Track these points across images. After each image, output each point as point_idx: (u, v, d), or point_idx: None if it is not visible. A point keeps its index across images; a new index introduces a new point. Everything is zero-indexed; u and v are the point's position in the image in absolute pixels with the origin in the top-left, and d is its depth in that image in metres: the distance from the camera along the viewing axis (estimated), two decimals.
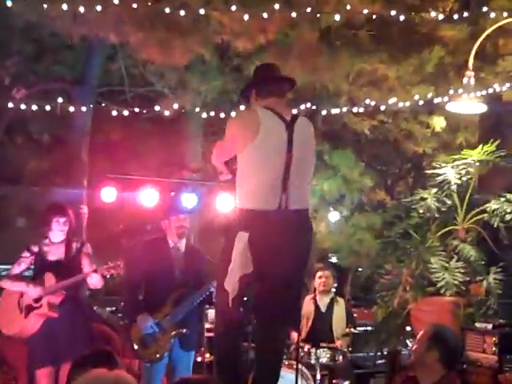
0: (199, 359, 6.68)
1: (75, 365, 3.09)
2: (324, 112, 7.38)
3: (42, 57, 8.41)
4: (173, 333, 5.24)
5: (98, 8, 5.57)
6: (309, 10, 5.81)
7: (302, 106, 7.11)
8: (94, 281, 5.27)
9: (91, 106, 7.30)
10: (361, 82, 7.58)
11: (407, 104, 6.91)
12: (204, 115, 7.19)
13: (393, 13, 6.54)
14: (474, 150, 7.31)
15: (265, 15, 5.93)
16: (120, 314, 10.89)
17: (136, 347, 5.26)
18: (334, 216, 7.47)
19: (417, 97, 6.92)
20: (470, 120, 8.43)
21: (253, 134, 3.82)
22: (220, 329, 4.01)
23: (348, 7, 6.39)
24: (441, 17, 7.38)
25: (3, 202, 9.89)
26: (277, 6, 5.78)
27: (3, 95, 7.22)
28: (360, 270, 9.78)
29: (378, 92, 7.42)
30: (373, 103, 6.77)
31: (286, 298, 3.91)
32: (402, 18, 6.61)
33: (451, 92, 6.82)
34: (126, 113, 7.26)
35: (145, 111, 6.97)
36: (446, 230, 7.53)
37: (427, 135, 7.73)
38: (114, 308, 11.34)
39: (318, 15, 6.31)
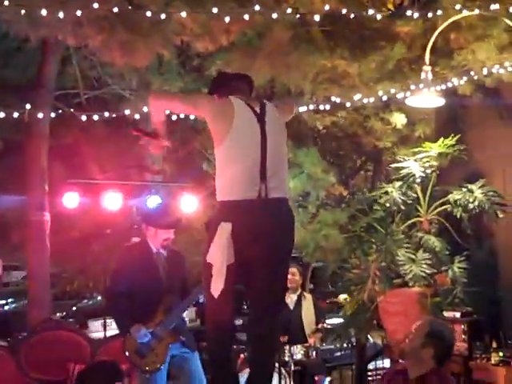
0: None
1: (82, 375, 3.04)
2: None
3: None
4: (170, 340, 5.09)
5: (57, 11, 5.42)
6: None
7: None
8: None
9: (49, 110, 7.12)
10: (320, 80, 7.59)
11: (371, 100, 6.96)
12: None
13: (344, 11, 6.60)
14: (432, 143, 7.42)
15: (226, 18, 5.89)
16: (71, 319, 10.80)
17: (133, 358, 5.05)
18: (299, 213, 7.48)
19: (380, 93, 6.98)
20: (425, 113, 8.56)
21: (229, 124, 3.75)
22: (211, 334, 3.90)
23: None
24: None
25: None
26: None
27: None
28: (321, 265, 9.88)
29: (339, 89, 7.45)
30: (338, 100, 6.80)
31: (275, 288, 3.82)
32: (352, 15, 6.68)
33: (412, 87, 6.91)
34: (84, 117, 7.14)
35: (106, 114, 6.83)
36: (410, 222, 7.65)
37: (388, 131, 7.81)
38: (63, 313, 11.21)
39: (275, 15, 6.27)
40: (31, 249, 7.31)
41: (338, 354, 9.20)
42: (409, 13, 7.33)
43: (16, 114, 7.04)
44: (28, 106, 6.75)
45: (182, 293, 5.24)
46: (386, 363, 9.34)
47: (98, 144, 8.56)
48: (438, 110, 8.27)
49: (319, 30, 7.37)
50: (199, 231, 9.25)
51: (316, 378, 6.48)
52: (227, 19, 5.89)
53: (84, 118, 7.18)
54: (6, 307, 12.21)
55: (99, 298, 17.04)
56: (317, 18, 6.52)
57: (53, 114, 7.07)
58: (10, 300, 12.20)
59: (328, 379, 5.16)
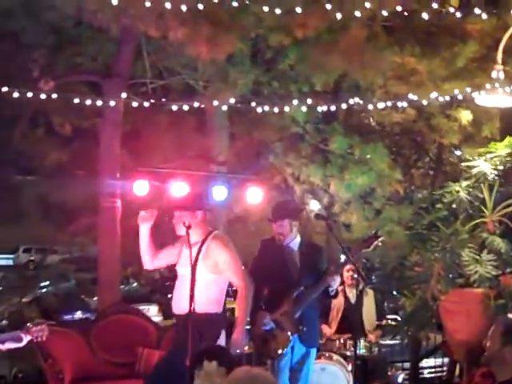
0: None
1: (194, 359, 3.15)
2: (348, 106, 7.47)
3: (64, 48, 8.34)
4: (291, 330, 5.27)
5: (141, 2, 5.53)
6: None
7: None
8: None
9: (123, 99, 7.27)
10: (389, 76, 7.60)
11: (440, 98, 6.94)
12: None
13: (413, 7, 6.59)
14: (499, 142, 7.38)
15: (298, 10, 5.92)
16: None
17: (256, 344, 5.40)
18: (364, 209, 7.52)
19: (455, 91, 6.95)
20: (491, 112, 8.50)
21: None
22: None
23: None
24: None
25: (20, 193, 9.85)
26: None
27: (30, 87, 7.15)
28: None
29: (407, 86, 7.44)
30: (413, 97, 6.78)
31: None
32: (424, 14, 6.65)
33: (487, 86, 6.85)
34: (146, 104, 7.29)
35: (185, 105, 6.95)
36: (475, 222, 7.63)
37: (454, 128, 7.78)
38: None
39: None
40: (102, 234, 7.48)
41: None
42: (478, 11, 7.29)
43: (89, 102, 7.24)
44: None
45: (314, 283, 5.36)
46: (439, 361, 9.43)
47: (163, 134, 8.67)
48: (504, 110, 8.21)
49: (389, 26, 7.39)
50: (255, 223, 9.38)
51: (389, 373, 6.52)
52: (303, 13, 5.94)
53: (146, 104, 7.35)
54: (45, 289, 12.49)
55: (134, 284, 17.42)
56: (385, 13, 6.55)
57: (135, 104, 7.19)
58: (49, 282, 12.46)
59: (402, 375, 5.22)
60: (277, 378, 5.29)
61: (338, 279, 5.38)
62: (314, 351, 5.56)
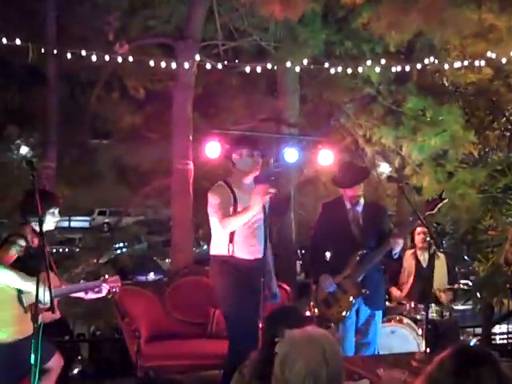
0: (308, 313, 6.78)
1: (273, 321, 3.19)
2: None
3: (137, 11, 8.43)
4: (353, 293, 5.31)
5: None
6: None
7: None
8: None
9: (196, 61, 7.31)
10: (466, 34, 7.37)
11: None
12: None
13: None
14: None
15: None
16: None
17: (319, 307, 5.42)
18: (437, 171, 7.37)
19: None
20: None
21: None
22: None
23: None
24: None
25: (95, 156, 10.08)
26: None
27: (105, 51, 7.27)
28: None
29: (485, 43, 7.21)
30: (493, 56, 6.57)
31: None
32: None
33: None
34: (218, 66, 7.29)
35: (254, 66, 6.94)
36: None
37: None
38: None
39: None
40: (175, 196, 7.58)
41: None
42: None
43: (163, 64, 7.33)
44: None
45: (377, 246, 5.37)
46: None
47: (234, 96, 8.71)
48: None
49: None
50: (326, 185, 9.34)
51: (462, 338, 6.47)
52: None
53: (220, 67, 7.37)
54: (119, 251, 12.78)
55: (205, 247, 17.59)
56: None
57: (209, 66, 7.23)
58: (124, 244, 12.73)
59: (474, 340, 5.18)
60: (341, 342, 5.35)
61: (401, 242, 5.32)
62: (379, 314, 5.57)
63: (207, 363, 6.14)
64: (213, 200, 4.87)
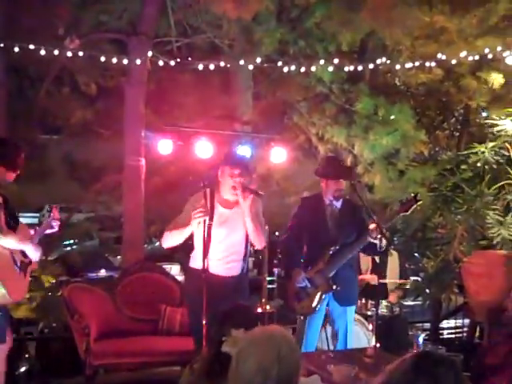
0: (259, 310, 6.81)
1: (222, 321, 3.18)
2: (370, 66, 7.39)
3: (89, 6, 8.30)
4: (324, 289, 5.38)
5: None
6: None
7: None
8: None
9: (149, 57, 7.26)
10: (417, 35, 7.48)
11: (470, 58, 6.83)
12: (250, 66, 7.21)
13: None
14: None
15: None
16: None
17: (290, 301, 5.51)
18: (388, 170, 7.47)
19: (486, 50, 6.82)
20: None
21: None
22: None
23: None
24: None
25: (45, 152, 9.91)
26: None
27: (55, 45, 7.15)
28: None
29: (436, 45, 7.33)
30: (443, 57, 6.68)
31: None
32: None
33: None
34: (171, 63, 7.28)
35: (211, 65, 6.92)
36: (501, 184, 7.57)
37: (482, 90, 7.65)
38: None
39: None
40: (126, 193, 7.52)
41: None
42: None
43: (115, 60, 7.24)
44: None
45: (351, 243, 5.44)
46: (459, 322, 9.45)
47: (187, 93, 8.65)
48: None
49: None
50: (278, 182, 9.38)
51: (411, 333, 6.55)
52: None
53: (172, 63, 7.33)
54: (70, 248, 12.62)
55: (157, 243, 17.52)
56: None
57: (161, 63, 7.17)
58: (74, 241, 12.57)
59: (423, 335, 5.25)
60: (306, 334, 5.49)
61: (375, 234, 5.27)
62: (351, 309, 5.68)
63: (158, 360, 6.13)
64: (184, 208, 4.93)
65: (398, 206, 5.91)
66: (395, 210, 5.75)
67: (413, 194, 5.57)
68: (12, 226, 4.61)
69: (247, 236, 4.88)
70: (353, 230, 5.47)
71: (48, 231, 5.05)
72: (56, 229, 5.05)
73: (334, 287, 5.37)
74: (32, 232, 4.90)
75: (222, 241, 4.85)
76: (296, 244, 5.53)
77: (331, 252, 5.40)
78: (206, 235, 4.69)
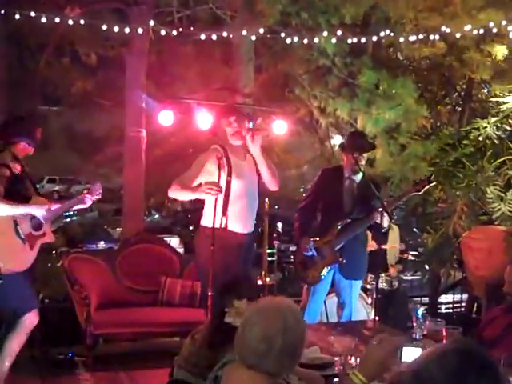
0: (259, 282, 6.82)
1: (224, 291, 3.18)
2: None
3: None
4: (330, 260, 5.41)
5: None
6: None
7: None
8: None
9: (150, 27, 7.18)
10: (421, 8, 7.41)
11: (475, 32, 6.77)
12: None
13: None
14: None
15: None
16: None
17: (297, 268, 5.63)
18: (389, 144, 7.43)
19: (490, 24, 6.76)
20: None
21: None
22: None
23: None
24: None
25: (45, 123, 9.87)
26: None
27: (56, 14, 7.07)
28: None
29: (440, 18, 7.26)
30: (448, 30, 6.62)
31: None
32: None
33: None
34: (174, 33, 7.22)
35: (210, 34, 6.85)
36: (502, 159, 7.56)
37: (486, 63, 7.58)
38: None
39: None
40: (127, 164, 7.50)
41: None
42: None
43: (116, 29, 7.16)
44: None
45: (365, 217, 5.43)
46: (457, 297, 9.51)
47: (189, 64, 8.59)
48: None
49: None
50: (279, 155, 9.35)
51: (410, 306, 6.60)
52: None
53: (175, 33, 7.27)
54: (69, 219, 12.65)
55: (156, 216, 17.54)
56: None
57: (163, 32, 7.10)
58: (74, 212, 12.60)
59: (422, 309, 5.26)
60: (309, 303, 5.57)
61: (385, 218, 5.23)
62: (356, 284, 5.69)
63: (158, 331, 6.17)
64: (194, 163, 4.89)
65: (408, 184, 5.92)
66: (408, 189, 5.72)
67: (426, 175, 5.57)
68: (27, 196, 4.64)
69: (259, 188, 4.94)
70: (366, 207, 5.43)
71: (78, 206, 5.01)
72: (87, 205, 5.00)
73: (340, 259, 5.39)
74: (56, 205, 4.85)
75: (242, 195, 4.83)
76: (310, 213, 5.58)
77: (341, 225, 5.40)
78: (224, 192, 4.70)
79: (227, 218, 4.73)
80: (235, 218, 4.79)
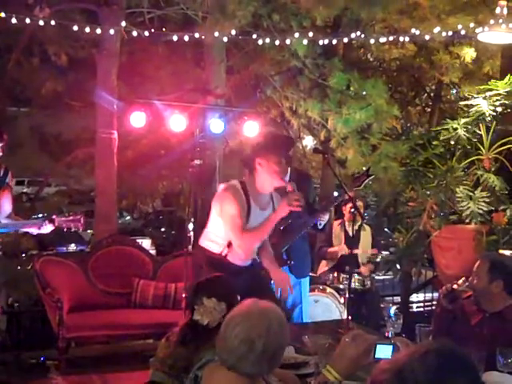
0: None
1: (195, 290, 3.18)
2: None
3: None
4: (278, 263, 5.29)
5: None
6: None
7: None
8: (44, 230, 4.95)
9: (121, 27, 7.14)
10: (390, 10, 7.49)
11: (443, 34, 6.86)
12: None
13: None
14: (498, 80, 7.32)
15: None
16: None
17: None
18: (361, 144, 7.50)
19: (459, 26, 6.86)
20: (492, 50, 8.39)
21: None
22: None
23: None
24: None
25: (14, 124, 9.76)
26: None
27: (25, 14, 6.99)
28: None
29: (409, 20, 7.35)
30: (417, 32, 6.70)
31: None
32: None
33: (489, 22, 6.76)
34: (146, 34, 7.18)
35: (182, 35, 6.83)
36: (471, 159, 7.64)
37: (455, 65, 7.70)
38: None
39: None
40: (98, 166, 7.46)
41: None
42: None
43: (87, 30, 7.11)
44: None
45: (303, 217, 5.28)
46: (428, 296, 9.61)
47: (160, 65, 8.58)
48: (505, 48, 8.12)
49: None
50: None
51: (382, 306, 6.65)
52: None
53: (147, 34, 7.24)
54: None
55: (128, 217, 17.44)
56: None
57: (135, 33, 7.06)
58: (44, 215, 12.49)
59: (394, 307, 5.30)
60: None
61: (326, 215, 5.38)
62: (305, 281, 5.68)
63: (131, 333, 6.13)
64: (230, 208, 4.38)
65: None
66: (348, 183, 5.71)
67: (364, 168, 5.57)
68: None
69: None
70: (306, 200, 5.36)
71: (31, 229, 5.00)
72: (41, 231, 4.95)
73: (289, 262, 5.35)
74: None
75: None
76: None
77: (282, 227, 5.27)
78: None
79: (230, 251, 4.57)
80: (238, 255, 4.61)
